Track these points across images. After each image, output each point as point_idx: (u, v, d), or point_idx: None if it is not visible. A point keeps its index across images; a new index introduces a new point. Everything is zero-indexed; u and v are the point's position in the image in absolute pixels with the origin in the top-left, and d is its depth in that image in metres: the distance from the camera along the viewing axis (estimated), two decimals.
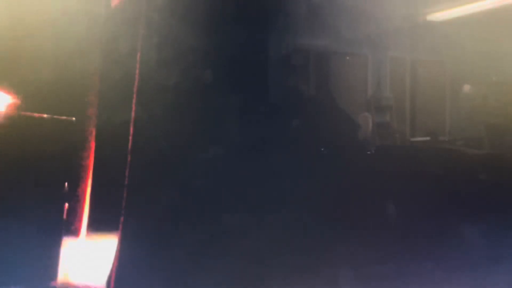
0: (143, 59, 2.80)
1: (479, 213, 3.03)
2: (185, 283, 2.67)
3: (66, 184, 2.74)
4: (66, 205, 2.75)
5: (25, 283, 2.61)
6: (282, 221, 2.85)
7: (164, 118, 2.79)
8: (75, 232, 2.85)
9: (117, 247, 2.64)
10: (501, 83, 3.33)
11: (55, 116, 2.72)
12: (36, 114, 2.69)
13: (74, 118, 2.74)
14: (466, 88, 3.43)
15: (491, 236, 2.98)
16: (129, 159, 2.70)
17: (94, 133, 2.90)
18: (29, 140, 2.63)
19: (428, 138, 3.49)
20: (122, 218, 2.66)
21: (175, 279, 2.68)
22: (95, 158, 2.87)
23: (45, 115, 2.70)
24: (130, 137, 2.71)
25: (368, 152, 3.25)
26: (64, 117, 2.73)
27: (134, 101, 2.74)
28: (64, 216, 2.74)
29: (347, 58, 3.30)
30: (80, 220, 2.87)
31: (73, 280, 2.74)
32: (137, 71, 2.78)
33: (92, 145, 2.90)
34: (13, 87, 2.71)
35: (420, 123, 3.53)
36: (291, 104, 3.13)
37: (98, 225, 2.87)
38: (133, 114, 2.72)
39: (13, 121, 2.65)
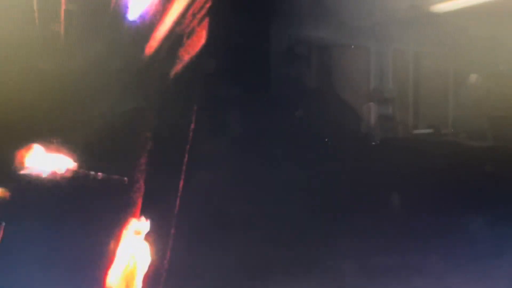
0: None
1: (483, 206, 3.02)
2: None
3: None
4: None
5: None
6: (285, 213, 2.84)
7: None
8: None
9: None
10: (505, 75, 3.32)
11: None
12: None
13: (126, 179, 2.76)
14: (470, 80, 3.42)
15: (494, 228, 2.97)
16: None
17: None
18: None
19: (431, 131, 3.48)
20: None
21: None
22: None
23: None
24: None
25: (373, 143, 3.23)
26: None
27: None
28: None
29: (352, 47, 3.28)
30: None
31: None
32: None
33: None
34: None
35: (423, 115, 3.51)
36: (293, 95, 3.12)
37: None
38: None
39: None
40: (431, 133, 3.47)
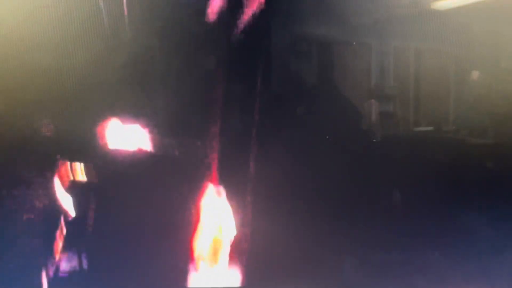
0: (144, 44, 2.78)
1: (484, 203, 3.02)
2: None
3: None
4: None
5: None
6: (286, 209, 2.83)
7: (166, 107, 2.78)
8: None
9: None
10: (507, 72, 3.31)
11: None
12: None
13: None
14: (472, 77, 3.41)
15: (497, 226, 2.96)
16: None
17: None
18: None
19: (432, 128, 3.47)
20: None
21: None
22: None
23: None
24: None
25: (374, 140, 3.23)
26: None
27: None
28: None
29: (353, 44, 3.27)
30: None
31: None
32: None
33: None
34: None
35: (424, 112, 3.50)
36: (294, 93, 3.11)
37: None
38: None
39: None
40: (433, 130, 3.46)
